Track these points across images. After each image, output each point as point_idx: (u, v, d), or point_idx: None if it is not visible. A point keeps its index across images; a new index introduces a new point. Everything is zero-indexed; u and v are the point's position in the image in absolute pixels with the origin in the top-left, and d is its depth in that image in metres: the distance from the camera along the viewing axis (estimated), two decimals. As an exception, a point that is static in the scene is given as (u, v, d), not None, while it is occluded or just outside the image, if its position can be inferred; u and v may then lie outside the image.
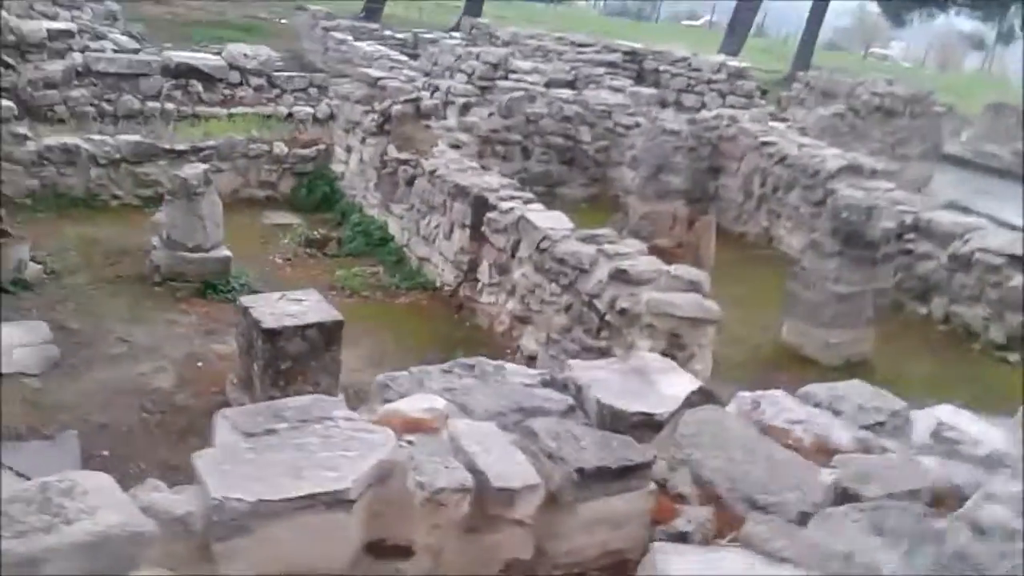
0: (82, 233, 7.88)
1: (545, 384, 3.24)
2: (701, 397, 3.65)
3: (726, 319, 6.60)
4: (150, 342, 6.20)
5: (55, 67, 10.78)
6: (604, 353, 6.15)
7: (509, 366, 3.29)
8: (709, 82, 15.64)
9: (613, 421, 3.05)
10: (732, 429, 3.65)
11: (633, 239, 6.84)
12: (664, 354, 5.87)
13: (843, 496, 3.04)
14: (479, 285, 7.39)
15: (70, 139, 8.54)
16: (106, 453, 4.85)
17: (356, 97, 9.22)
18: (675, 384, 3.34)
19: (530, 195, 7.57)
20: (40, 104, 10.59)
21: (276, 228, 8.83)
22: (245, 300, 5.45)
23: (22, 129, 8.17)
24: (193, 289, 6.97)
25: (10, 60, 10.32)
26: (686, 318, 5.76)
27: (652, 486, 2.88)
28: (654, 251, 6.79)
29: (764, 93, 16.79)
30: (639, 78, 16.46)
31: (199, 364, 6.01)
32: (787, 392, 3.82)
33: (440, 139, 8.55)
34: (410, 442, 2.70)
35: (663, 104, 14.42)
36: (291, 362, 5.26)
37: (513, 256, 7.02)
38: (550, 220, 6.84)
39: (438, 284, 7.83)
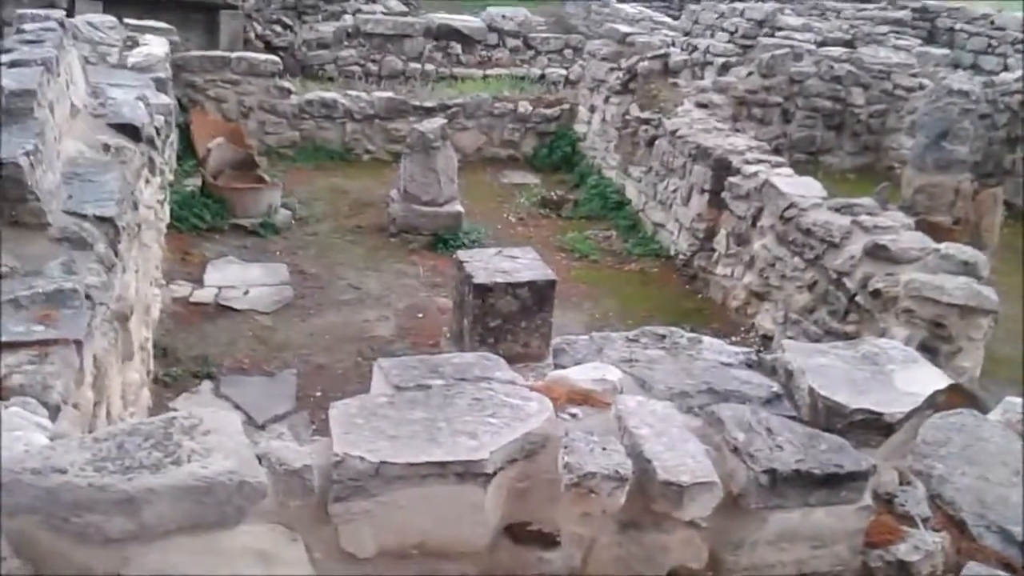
0: (333, 184, 8.25)
1: (749, 365, 2.75)
2: (954, 399, 2.99)
3: (1008, 312, 5.60)
4: (378, 291, 6.32)
5: (328, 28, 11.41)
6: (850, 339, 5.42)
7: (707, 339, 2.82)
8: (1014, 42, 13.56)
9: (828, 417, 2.50)
10: (991, 441, 2.96)
11: (899, 212, 5.97)
12: (924, 346, 5.08)
13: None
14: (715, 255, 6.83)
15: (329, 94, 8.97)
16: (319, 393, 4.95)
17: (603, 54, 8.88)
18: (917, 379, 2.69)
19: (780, 159, 6.85)
20: (313, 63, 11.27)
21: (514, 187, 8.76)
22: (461, 254, 5.33)
23: (286, 83, 8.67)
24: (425, 242, 7.04)
25: (288, 21, 11.04)
26: (954, 305, 4.88)
27: (869, 501, 2.33)
28: (925, 227, 5.88)
29: (1088, 55, 14.31)
30: (930, 38, 14.68)
31: (420, 315, 6.02)
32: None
33: (687, 98, 7.99)
34: (573, 415, 2.36)
35: (956, 66, 12.72)
36: (501, 320, 5.08)
37: (754, 225, 6.38)
38: (799, 186, 6.12)
39: (672, 252, 7.35)
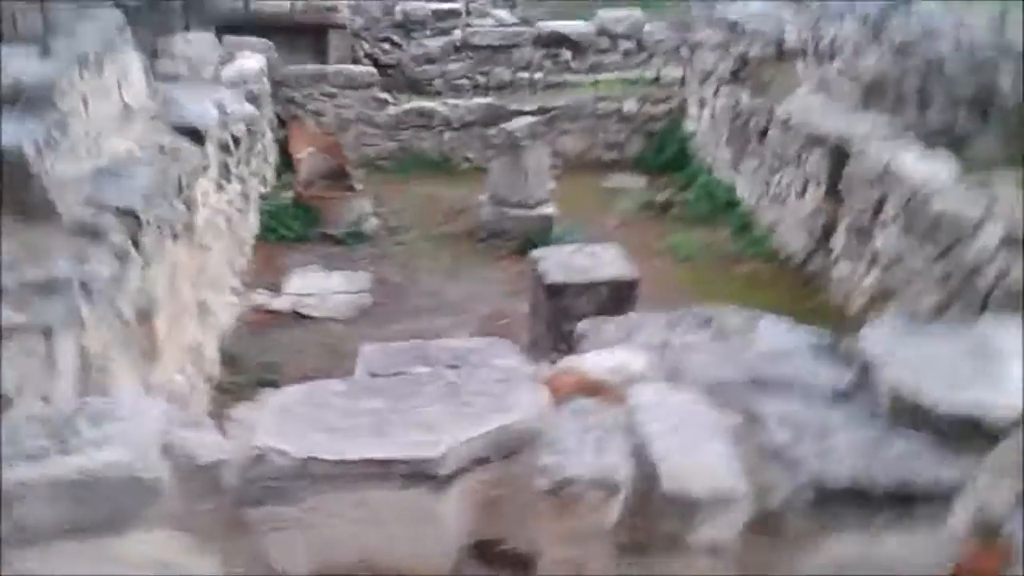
0: (427, 192, 8.04)
1: (818, 353, 2.22)
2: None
3: None
4: (459, 298, 6.01)
5: (436, 43, 11.32)
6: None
7: (767, 321, 2.31)
8: None
9: (914, 419, 1.94)
10: None
11: (1046, 195, 5.14)
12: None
13: None
14: (833, 254, 6.14)
15: (427, 104, 8.81)
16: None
17: (711, 43, 8.30)
18: (1038, 372, 2.09)
19: (908, 142, 6.11)
20: (420, 78, 11.18)
21: (617, 191, 8.29)
22: (536, 252, 4.95)
23: (383, 94, 8.56)
24: (514, 247, 6.69)
25: (396, 38, 11.02)
26: (1113, 298, 4.09)
27: (958, 527, 1.77)
28: (1082, 214, 5.04)
29: None
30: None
31: (501, 322, 5.66)
32: None
33: (805, 83, 7.31)
34: (579, 409, 1.93)
35: None
36: (576, 323, 4.63)
37: (876, 216, 5.68)
38: (925, 169, 5.39)
39: (786, 252, 6.69)
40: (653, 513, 1.66)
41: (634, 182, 8.49)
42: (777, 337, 2.25)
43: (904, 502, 1.70)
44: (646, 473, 1.68)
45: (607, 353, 2.13)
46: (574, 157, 8.79)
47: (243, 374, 4.90)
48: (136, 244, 3.24)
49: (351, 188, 7.22)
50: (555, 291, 4.61)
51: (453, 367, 2.07)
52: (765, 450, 1.76)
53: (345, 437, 1.67)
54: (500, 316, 5.73)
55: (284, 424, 1.70)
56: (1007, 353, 2.16)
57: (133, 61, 4.45)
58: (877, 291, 5.62)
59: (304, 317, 5.65)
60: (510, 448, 1.72)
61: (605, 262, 4.81)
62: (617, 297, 4.66)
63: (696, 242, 7.05)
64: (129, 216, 3.25)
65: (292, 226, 6.84)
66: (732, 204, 7.57)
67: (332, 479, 1.61)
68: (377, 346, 2.24)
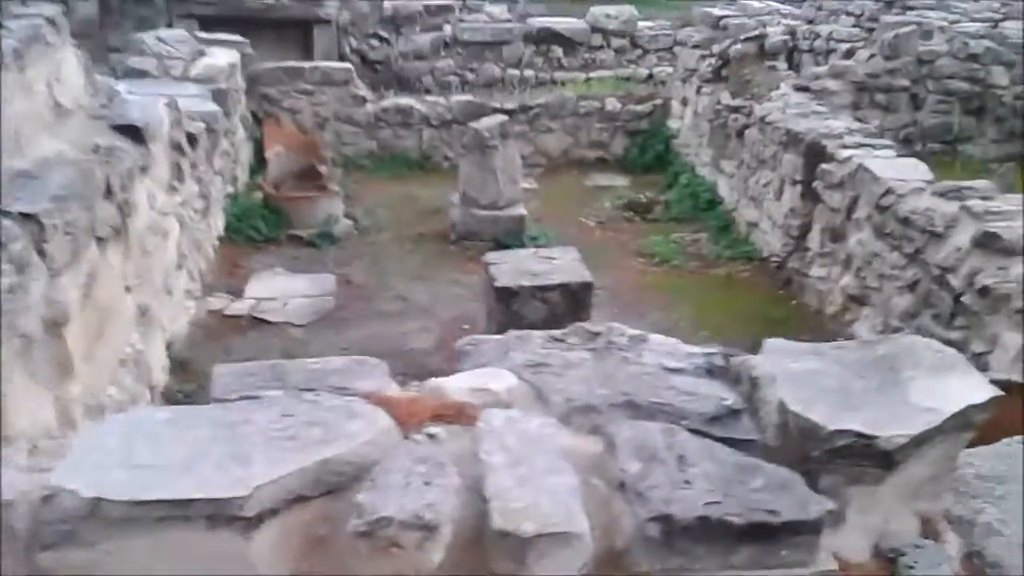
0: (404, 192, 7.91)
1: (709, 372, 2.07)
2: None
3: None
4: (426, 301, 5.88)
5: (425, 39, 11.20)
6: (956, 348, 4.47)
7: (655, 338, 2.16)
8: None
9: (803, 442, 1.80)
10: (1070, 480, 2.17)
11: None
12: (1047, 355, 4.10)
13: None
14: (809, 255, 5.96)
15: (404, 100, 8.66)
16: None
17: (695, 41, 8.12)
18: (944, 391, 1.94)
19: (886, 142, 5.91)
20: (409, 75, 11.07)
21: (597, 190, 8.13)
22: (490, 255, 4.81)
23: (361, 91, 8.43)
24: (485, 248, 6.49)
25: (384, 34, 10.90)
26: (1081, 304, 3.90)
27: (831, 563, 1.62)
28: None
29: None
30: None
31: (465, 327, 5.51)
32: None
33: (785, 81, 7.12)
34: (431, 436, 1.79)
35: None
36: (528, 329, 4.49)
37: (849, 217, 5.49)
38: (898, 169, 5.21)
39: (765, 254, 6.51)
40: (485, 553, 1.52)
41: (616, 181, 8.32)
42: (665, 355, 2.10)
43: (763, 538, 1.55)
44: (478, 510, 1.54)
45: (474, 374, 1.99)
46: (557, 155, 8.63)
47: (193, 381, 4.79)
48: (41, 251, 3.12)
49: (323, 188, 7.09)
50: (505, 295, 4.47)
51: (307, 389, 1.94)
52: (613, 482, 1.61)
53: (149, 474, 1.53)
54: (464, 320, 5.59)
55: (86, 459, 1.57)
56: (915, 368, 2.01)
57: (68, 58, 4.34)
58: (852, 293, 5.44)
59: (261, 322, 5.53)
60: (333, 484, 1.59)
61: (560, 266, 4.67)
62: (571, 302, 4.51)
63: (674, 243, 6.88)
64: (32, 222, 3.13)
65: (259, 227, 6.73)
66: (713, 204, 7.40)
67: (128, 522, 1.47)
68: (229, 367, 2.10)
